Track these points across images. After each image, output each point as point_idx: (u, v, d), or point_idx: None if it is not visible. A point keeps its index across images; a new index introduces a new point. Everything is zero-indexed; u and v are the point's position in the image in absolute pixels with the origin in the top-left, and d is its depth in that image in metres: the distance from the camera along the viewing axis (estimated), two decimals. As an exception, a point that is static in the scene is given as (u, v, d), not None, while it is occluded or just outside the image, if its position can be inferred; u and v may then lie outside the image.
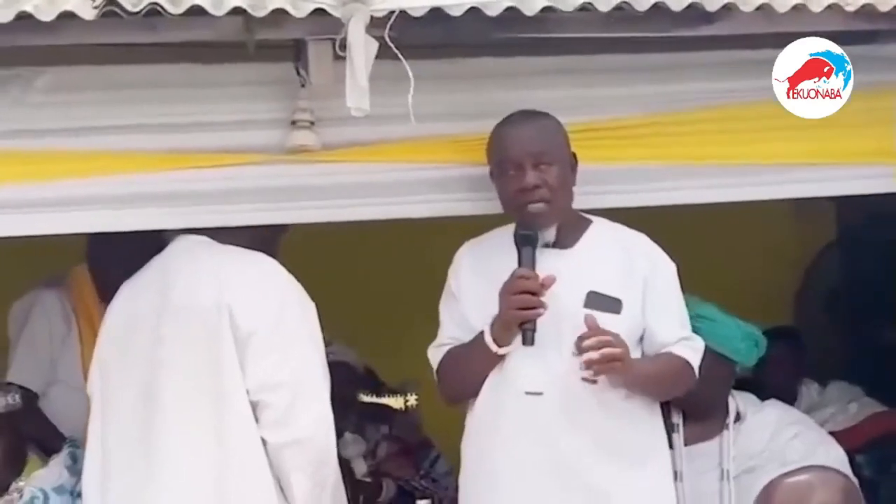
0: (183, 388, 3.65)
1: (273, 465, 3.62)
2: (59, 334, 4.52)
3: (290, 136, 3.76)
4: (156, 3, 3.39)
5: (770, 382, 4.82)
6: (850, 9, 3.75)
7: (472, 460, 3.86)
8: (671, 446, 4.03)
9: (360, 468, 5.09)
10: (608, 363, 3.63)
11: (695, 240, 4.94)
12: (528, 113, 3.79)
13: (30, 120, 3.68)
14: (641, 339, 3.83)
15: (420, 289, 4.18)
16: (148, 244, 3.90)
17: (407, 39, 3.52)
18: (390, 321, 5.83)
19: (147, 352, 3.70)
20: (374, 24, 3.48)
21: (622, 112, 3.99)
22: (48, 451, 4.24)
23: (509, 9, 3.56)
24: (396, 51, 3.49)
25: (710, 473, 4.19)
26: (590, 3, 3.62)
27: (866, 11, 3.75)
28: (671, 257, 3.91)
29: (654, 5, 3.64)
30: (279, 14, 3.46)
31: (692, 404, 4.12)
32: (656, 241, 3.92)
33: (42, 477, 4.09)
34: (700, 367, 3.89)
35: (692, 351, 3.86)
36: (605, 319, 3.69)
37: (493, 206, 3.89)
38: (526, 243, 3.71)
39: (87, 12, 3.38)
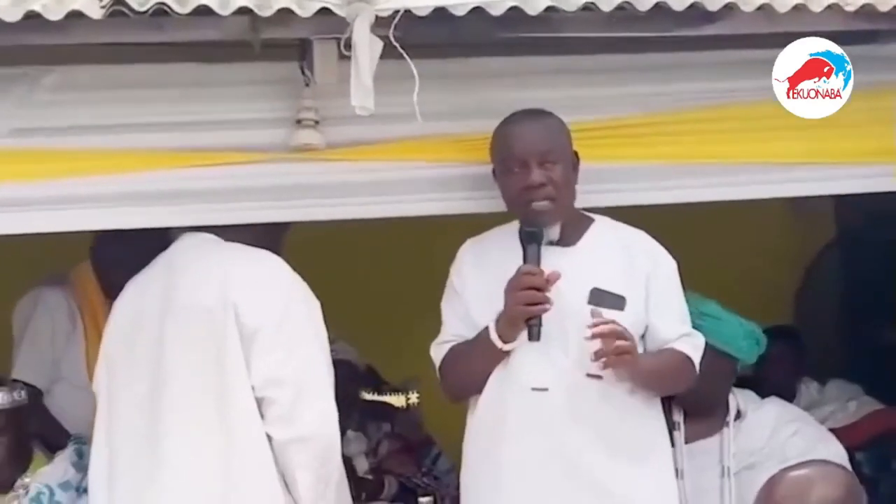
0: (189, 385, 3.66)
1: (278, 462, 3.63)
2: (64, 332, 4.54)
3: (294, 135, 3.77)
4: (163, 3, 3.41)
5: (770, 380, 4.83)
6: (850, 9, 3.75)
7: (475, 456, 3.87)
8: (672, 444, 4.04)
9: (362, 465, 5.10)
10: (618, 355, 3.65)
11: (695, 239, 4.94)
12: (532, 112, 3.81)
13: (37, 118, 3.69)
14: (643, 335, 3.84)
15: (422, 287, 4.19)
16: (152, 242, 3.92)
17: (411, 39, 3.53)
18: (392, 319, 5.84)
19: (153, 348, 3.71)
20: (379, 24, 3.49)
21: (624, 111, 4.00)
22: (53, 448, 4.25)
23: (513, 8, 3.58)
24: (401, 50, 3.50)
25: (711, 470, 4.20)
26: (592, 3, 3.63)
27: (866, 11, 3.76)
28: (671, 256, 3.92)
29: (656, 5, 3.66)
30: (285, 13, 3.48)
31: (693, 402, 4.14)
32: (656, 240, 3.93)
33: (47, 473, 4.11)
34: (702, 365, 3.91)
35: (693, 347, 3.88)
36: (609, 316, 3.69)
37: (496, 205, 3.90)
38: (531, 240, 3.72)
39: (95, 12, 3.39)
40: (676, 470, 4.04)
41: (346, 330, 4.70)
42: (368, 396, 5.77)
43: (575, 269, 3.74)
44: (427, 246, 4.67)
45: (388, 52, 3.52)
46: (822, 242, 6.42)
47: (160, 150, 3.77)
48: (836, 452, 4.14)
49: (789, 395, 4.96)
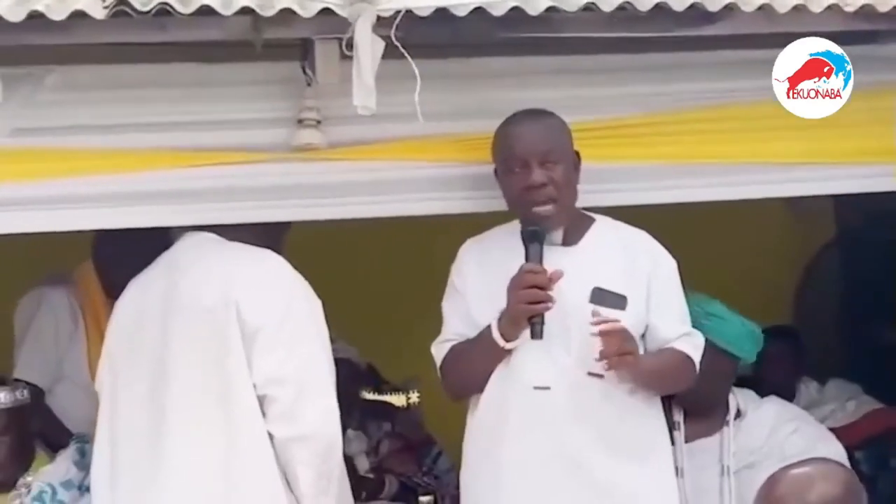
0: (191, 383, 3.67)
1: (279, 459, 3.64)
2: (66, 331, 4.54)
3: (296, 135, 3.78)
4: (165, 3, 3.41)
5: (769, 380, 4.84)
6: (850, 9, 3.76)
7: (475, 455, 3.88)
8: (672, 443, 4.05)
9: (363, 465, 5.11)
10: (621, 356, 3.66)
11: (694, 239, 4.95)
12: (534, 112, 3.82)
13: (40, 118, 3.70)
14: (643, 335, 3.86)
15: (422, 286, 4.20)
16: (154, 242, 3.93)
17: (413, 39, 3.54)
18: (392, 319, 5.84)
19: (155, 347, 3.72)
20: (381, 24, 3.50)
21: (624, 111, 4.01)
22: (54, 448, 4.25)
23: (514, 9, 3.58)
24: (403, 50, 3.50)
25: (711, 469, 4.21)
26: (593, 4, 3.64)
27: (865, 12, 3.76)
28: (671, 254, 3.93)
29: (657, 5, 3.66)
30: (287, 14, 3.48)
31: (694, 401, 4.15)
32: (657, 240, 3.94)
33: (50, 472, 4.11)
34: (706, 364, 3.93)
35: (693, 347, 3.90)
36: (610, 315, 3.70)
37: (496, 205, 3.91)
38: (533, 239, 3.73)
39: (98, 12, 3.39)
40: (676, 469, 4.05)
41: (347, 329, 4.70)
42: (369, 396, 5.77)
43: (576, 268, 3.75)
44: (428, 245, 4.68)
45: (389, 53, 3.52)
46: (821, 242, 6.42)
47: (162, 149, 3.77)
48: (836, 451, 4.15)
49: (789, 395, 4.97)
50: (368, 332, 5.44)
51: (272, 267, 3.74)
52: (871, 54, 3.94)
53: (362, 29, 3.48)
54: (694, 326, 3.97)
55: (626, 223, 3.96)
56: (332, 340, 3.79)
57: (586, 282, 3.77)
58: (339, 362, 3.84)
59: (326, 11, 3.51)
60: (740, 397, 4.33)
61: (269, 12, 3.47)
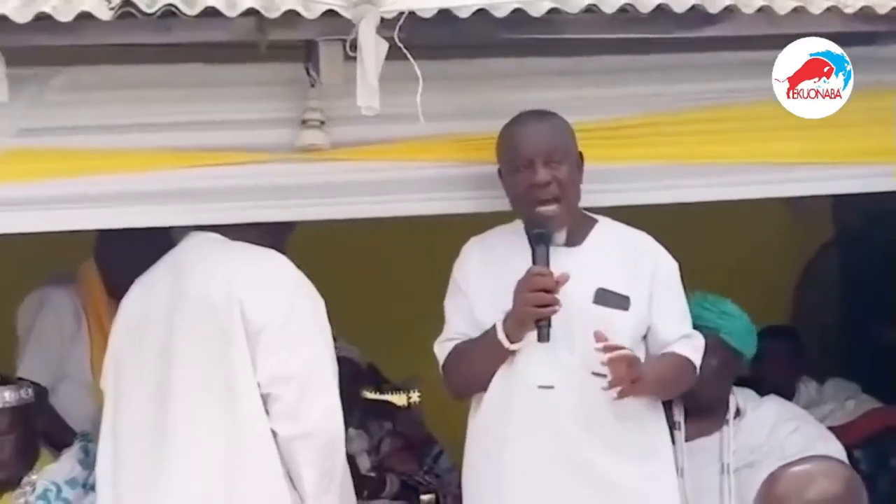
0: (195, 382, 3.68)
1: (283, 457, 3.65)
2: (69, 331, 4.55)
3: (300, 135, 3.79)
4: (171, 5, 3.43)
5: (768, 380, 4.82)
6: (850, 11, 3.77)
7: (479, 454, 3.88)
8: (673, 442, 4.06)
9: (364, 464, 5.12)
10: (632, 385, 3.67)
11: (694, 238, 4.95)
12: (538, 112, 3.83)
13: (46, 118, 3.71)
14: (644, 336, 3.88)
15: (424, 286, 4.22)
16: (156, 242, 3.94)
17: (416, 40, 3.55)
18: (394, 318, 5.83)
19: (160, 346, 3.73)
20: (384, 26, 3.52)
21: (625, 112, 4.03)
22: (58, 447, 4.26)
23: (516, 10, 3.60)
24: (406, 51, 3.52)
25: (711, 468, 4.22)
26: (595, 5, 3.65)
27: (865, 13, 3.77)
28: (671, 255, 3.94)
29: (658, 7, 3.67)
30: (291, 15, 3.50)
31: (696, 400, 4.17)
32: (657, 239, 3.96)
33: (54, 470, 4.13)
34: (717, 363, 3.96)
35: (693, 349, 3.91)
36: (613, 316, 3.74)
37: (498, 205, 3.93)
38: (540, 241, 3.74)
39: (104, 13, 3.41)
40: (677, 468, 4.05)
41: (349, 328, 4.71)
42: (370, 395, 5.78)
43: (580, 268, 3.76)
44: (429, 245, 4.68)
45: (392, 54, 3.54)
46: (820, 242, 6.42)
47: (167, 149, 3.79)
48: (836, 450, 4.15)
49: (788, 395, 4.97)
50: (370, 332, 5.45)
51: (276, 266, 3.76)
52: (870, 55, 3.95)
53: (366, 30, 3.49)
54: (708, 326, 3.99)
55: (627, 223, 3.97)
56: (334, 339, 3.80)
57: (590, 282, 3.79)
58: (340, 361, 3.85)
59: (330, 13, 3.52)
60: (740, 396, 4.34)
61: (274, 14, 3.49)
